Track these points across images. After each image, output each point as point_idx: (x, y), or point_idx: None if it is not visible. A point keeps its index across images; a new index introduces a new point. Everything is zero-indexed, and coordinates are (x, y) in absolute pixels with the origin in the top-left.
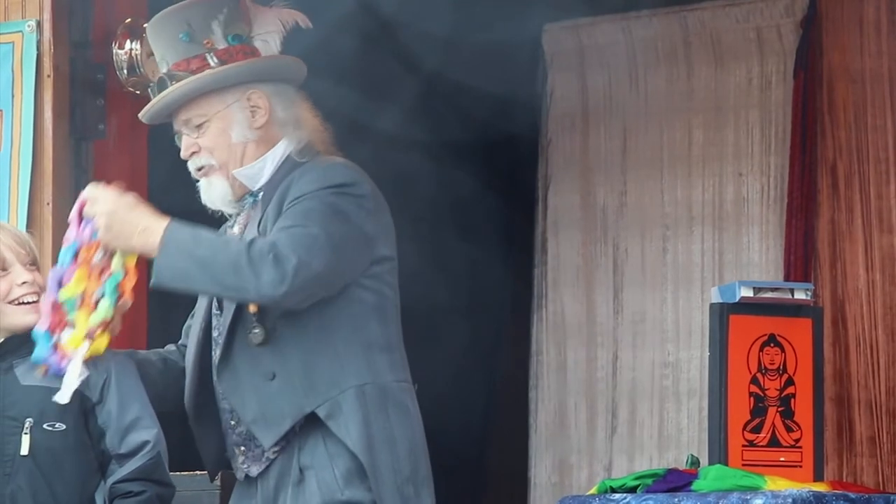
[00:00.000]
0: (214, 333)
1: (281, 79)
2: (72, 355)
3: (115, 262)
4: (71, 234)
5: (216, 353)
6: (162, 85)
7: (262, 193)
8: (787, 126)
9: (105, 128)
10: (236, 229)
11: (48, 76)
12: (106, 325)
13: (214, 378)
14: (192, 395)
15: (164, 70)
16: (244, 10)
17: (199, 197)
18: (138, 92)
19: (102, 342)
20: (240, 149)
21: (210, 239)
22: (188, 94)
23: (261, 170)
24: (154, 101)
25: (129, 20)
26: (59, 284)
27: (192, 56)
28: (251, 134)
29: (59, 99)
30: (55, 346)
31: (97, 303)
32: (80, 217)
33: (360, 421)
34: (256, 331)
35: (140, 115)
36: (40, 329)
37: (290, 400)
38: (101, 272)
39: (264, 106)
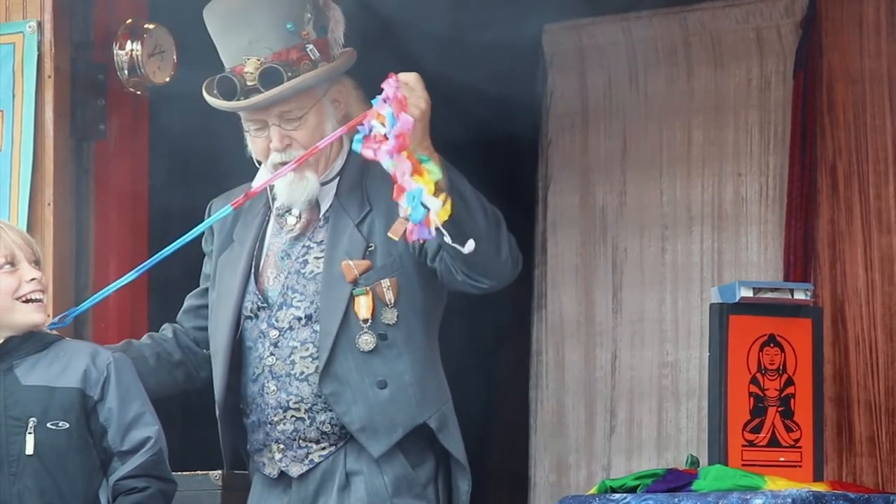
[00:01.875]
0: (263, 326)
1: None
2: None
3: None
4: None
5: (264, 347)
6: (275, 76)
7: (335, 191)
8: (786, 126)
9: (106, 128)
10: (290, 220)
11: (49, 77)
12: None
13: (318, 381)
14: (222, 390)
15: (261, 56)
16: (319, 2)
17: (199, 197)
18: (139, 92)
19: (447, 208)
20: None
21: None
22: (300, 89)
23: (342, 162)
24: (270, 93)
25: (129, 21)
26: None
27: (292, 46)
28: (337, 127)
29: (60, 99)
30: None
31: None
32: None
33: (459, 433)
34: (367, 337)
35: (248, 103)
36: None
37: (402, 409)
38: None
39: (343, 100)
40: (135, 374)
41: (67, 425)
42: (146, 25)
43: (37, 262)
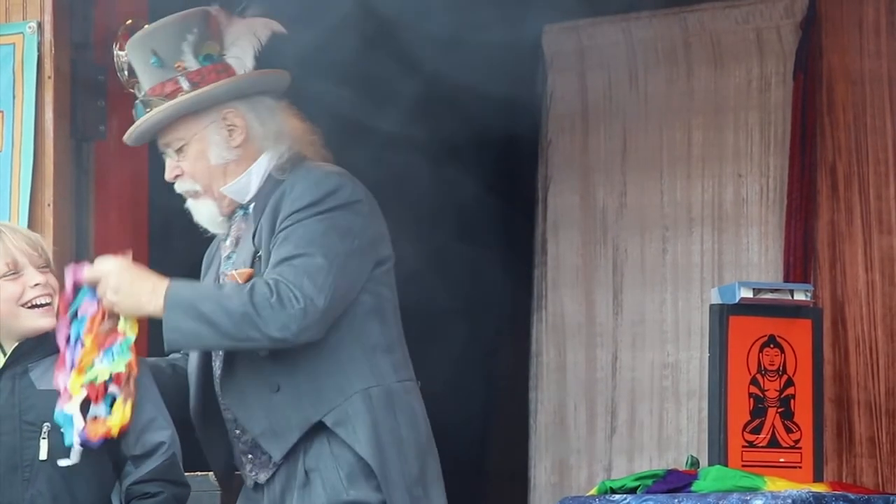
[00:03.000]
0: None
1: (258, 92)
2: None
3: (122, 326)
4: (82, 307)
5: (217, 365)
6: (138, 111)
7: (252, 205)
8: (786, 127)
9: (106, 129)
10: (228, 242)
11: (49, 77)
12: (126, 389)
13: (217, 390)
14: (196, 404)
15: (141, 95)
16: (214, 28)
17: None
18: (136, 93)
19: (127, 412)
20: (220, 170)
21: (212, 294)
22: (162, 122)
23: (247, 183)
24: (132, 127)
25: (129, 21)
26: (72, 365)
27: (165, 80)
28: (230, 154)
29: (60, 100)
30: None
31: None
32: (74, 288)
33: (368, 425)
34: None
35: (124, 138)
36: (60, 410)
37: (296, 411)
38: (107, 338)
39: (241, 124)
40: (150, 378)
41: None
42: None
43: (45, 265)
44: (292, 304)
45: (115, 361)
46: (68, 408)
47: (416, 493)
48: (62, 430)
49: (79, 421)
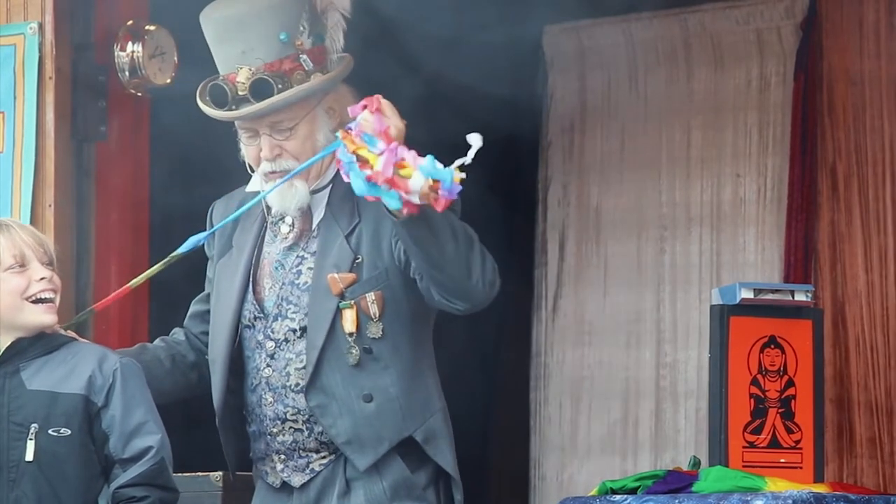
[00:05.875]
0: (260, 337)
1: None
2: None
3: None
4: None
5: (261, 358)
6: (265, 87)
7: (327, 200)
8: (785, 128)
9: (107, 130)
10: (287, 231)
11: (50, 78)
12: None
13: (304, 394)
14: (221, 398)
15: (252, 67)
16: (316, 8)
17: (201, 199)
18: (140, 94)
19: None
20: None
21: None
22: (291, 101)
23: (329, 174)
24: (259, 105)
25: (130, 22)
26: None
27: (285, 56)
28: (330, 137)
29: (61, 101)
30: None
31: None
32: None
33: (449, 443)
34: (354, 351)
35: (242, 113)
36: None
37: (388, 423)
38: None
39: (338, 108)
40: (142, 382)
41: (69, 432)
42: (147, 27)
43: (49, 263)
44: (494, 270)
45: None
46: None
47: None
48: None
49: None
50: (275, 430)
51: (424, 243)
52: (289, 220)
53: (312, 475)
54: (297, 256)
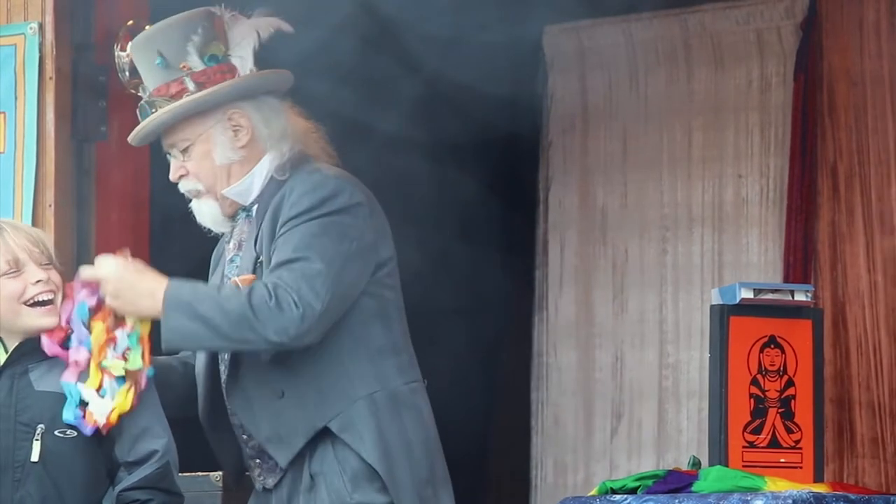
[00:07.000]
0: None
1: (263, 92)
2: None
3: (131, 322)
4: (80, 296)
5: (222, 370)
6: (143, 112)
7: (255, 207)
8: (786, 128)
9: (107, 130)
10: (231, 244)
11: (50, 78)
12: (133, 378)
13: (224, 395)
14: (205, 407)
15: (146, 96)
16: (219, 29)
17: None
18: (140, 94)
19: (128, 400)
20: (224, 170)
21: (210, 295)
22: (167, 122)
23: (250, 185)
24: (138, 128)
25: (130, 22)
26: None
27: (170, 81)
28: (235, 154)
29: (62, 101)
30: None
31: (123, 354)
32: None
33: (374, 430)
34: None
35: (128, 139)
36: (69, 381)
37: (301, 417)
38: (117, 327)
39: (246, 124)
40: (150, 385)
41: (75, 434)
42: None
43: (48, 262)
44: (290, 309)
45: (132, 358)
46: (83, 386)
47: (426, 494)
48: (68, 398)
49: (94, 399)
50: (244, 437)
51: (203, 343)
52: (227, 236)
53: (282, 474)
54: (235, 267)
